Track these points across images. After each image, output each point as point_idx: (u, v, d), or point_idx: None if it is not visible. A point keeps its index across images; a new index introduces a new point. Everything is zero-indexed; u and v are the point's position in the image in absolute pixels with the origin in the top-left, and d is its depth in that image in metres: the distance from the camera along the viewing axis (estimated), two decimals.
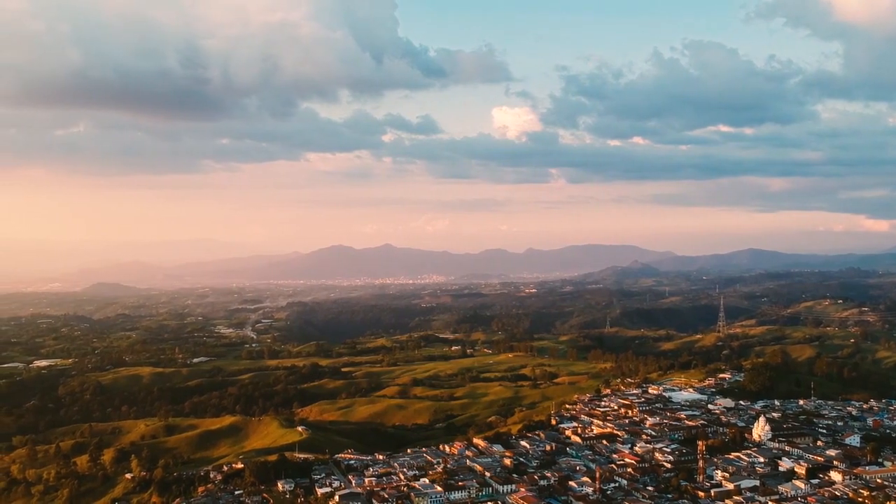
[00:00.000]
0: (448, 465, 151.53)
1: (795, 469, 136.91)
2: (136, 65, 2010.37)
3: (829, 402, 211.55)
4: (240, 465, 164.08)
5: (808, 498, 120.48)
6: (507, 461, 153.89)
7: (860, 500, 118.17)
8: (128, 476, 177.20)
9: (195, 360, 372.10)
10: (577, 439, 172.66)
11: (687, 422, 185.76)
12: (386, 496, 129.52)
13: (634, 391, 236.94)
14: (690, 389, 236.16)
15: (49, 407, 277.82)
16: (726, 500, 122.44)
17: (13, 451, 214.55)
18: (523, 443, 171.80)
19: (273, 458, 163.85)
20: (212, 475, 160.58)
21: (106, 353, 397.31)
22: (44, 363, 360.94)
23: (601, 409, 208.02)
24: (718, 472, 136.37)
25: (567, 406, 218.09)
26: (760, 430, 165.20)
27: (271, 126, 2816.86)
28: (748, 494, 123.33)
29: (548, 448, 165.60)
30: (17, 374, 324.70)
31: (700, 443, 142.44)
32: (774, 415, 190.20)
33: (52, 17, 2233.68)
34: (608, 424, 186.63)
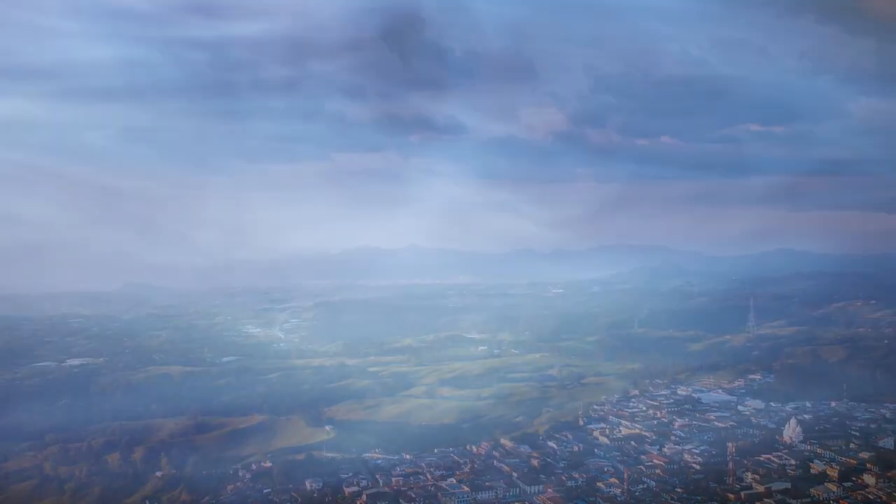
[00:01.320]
0: (475, 466, 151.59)
1: (827, 472, 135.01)
2: (164, 65, 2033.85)
3: (862, 405, 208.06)
4: (268, 464, 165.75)
5: (841, 501, 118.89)
6: (535, 462, 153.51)
7: (894, 503, 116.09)
8: (158, 474, 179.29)
9: (224, 360, 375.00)
10: (605, 440, 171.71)
11: (716, 423, 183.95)
12: (413, 496, 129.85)
13: (663, 392, 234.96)
14: (720, 391, 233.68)
15: (80, 405, 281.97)
16: (756, 503, 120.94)
17: (45, 449, 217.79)
18: (551, 443, 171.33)
19: (301, 456, 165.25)
20: (240, 473, 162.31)
21: (136, 352, 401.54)
22: (76, 362, 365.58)
23: (629, 410, 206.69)
24: (749, 473, 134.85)
25: (595, 407, 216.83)
26: (792, 431, 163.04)
27: (299, 127, 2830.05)
28: (779, 497, 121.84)
29: (575, 449, 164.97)
30: (50, 372, 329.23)
31: (730, 444, 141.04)
32: (806, 416, 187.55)
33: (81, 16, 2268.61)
34: (636, 425, 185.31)
